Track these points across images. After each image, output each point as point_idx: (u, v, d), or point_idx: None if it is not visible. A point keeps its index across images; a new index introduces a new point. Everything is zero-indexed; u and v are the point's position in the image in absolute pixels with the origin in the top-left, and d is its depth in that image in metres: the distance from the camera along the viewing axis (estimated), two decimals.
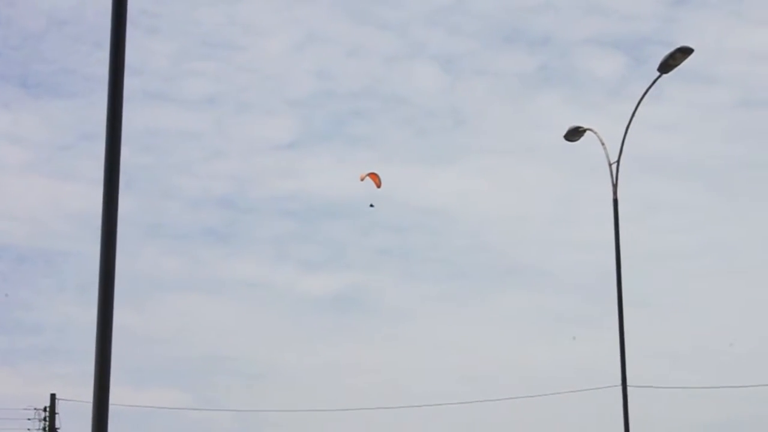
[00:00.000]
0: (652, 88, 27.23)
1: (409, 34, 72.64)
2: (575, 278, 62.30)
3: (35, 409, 48.64)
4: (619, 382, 26.38)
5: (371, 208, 38.55)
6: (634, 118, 27.61)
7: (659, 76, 26.85)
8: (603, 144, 28.03)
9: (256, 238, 70.42)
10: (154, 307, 65.81)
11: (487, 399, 45.31)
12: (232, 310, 65.61)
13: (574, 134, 28.83)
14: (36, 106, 71.91)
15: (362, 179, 38.20)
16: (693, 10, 70.01)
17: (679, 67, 26.52)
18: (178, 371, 62.75)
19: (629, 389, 26.37)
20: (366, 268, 67.80)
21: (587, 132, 28.59)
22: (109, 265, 10.20)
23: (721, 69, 67.78)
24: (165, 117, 70.95)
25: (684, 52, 26.30)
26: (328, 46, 73.25)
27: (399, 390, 56.97)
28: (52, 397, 48.78)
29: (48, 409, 48.59)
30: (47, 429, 48.32)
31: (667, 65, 26.48)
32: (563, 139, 29.08)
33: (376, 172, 38.21)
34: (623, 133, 27.68)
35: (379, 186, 38.01)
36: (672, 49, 26.40)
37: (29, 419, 48.52)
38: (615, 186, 27.54)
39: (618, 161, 27.67)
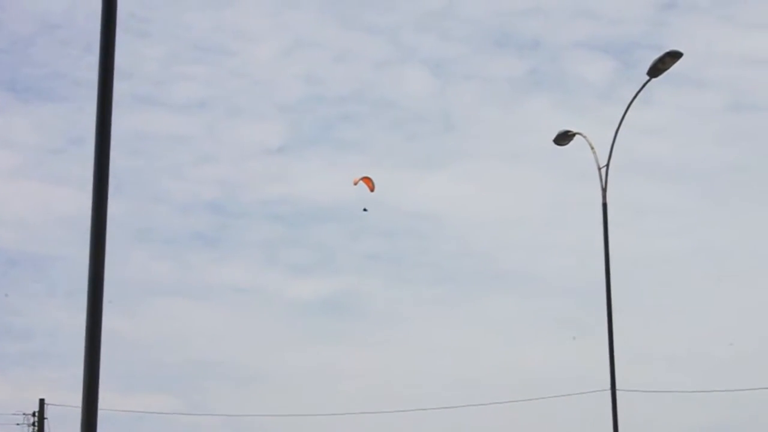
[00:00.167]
0: (642, 92, 27.29)
1: (399, 39, 72.74)
2: (565, 282, 62.35)
3: (24, 414, 48.53)
4: (608, 386, 26.42)
5: (365, 212, 38.51)
6: (623, 122, 27.66)
7: (648, 80, 26.90)
8: (592, 148, 28.07)
9: (245, 243, 70.42)
10: (144, 312, 65.72)
11: (476, 403, 45.30)
12: (221, 315, 65.56)
13: (563, 138, 28.85)
14: (25, 110, 71.79)
15: (355, 183, 38.13)
16: (682, 14, 70.19)
17: (668, 71, 26.58)
18: (168, 376, 62.63)
19: (618, 393, 26.40)
20: (355, 272, 67.81)
21: (576, 136, 28.62)
22: (97, 269, 10.18)
23: (711, 73, 67.97)
24: (154, 121, 70.86)
25: (673, 56, 26.35)
26: (317, 51, 73.30)
27: (388, 394, 56.92)
28: (41, 402, 48.66)
29: (37, 414, 48.47)
30: None
31: (656, 69, 26.53)
32: (552, 144, 29.12)
33: (369, 176, 38.15)
34: (612, 137, 27.73)
35: (372, 190, 37.94)
36: (661, 53, 26.46)
37: (18, 424, 48.41)
38: (604, 190, 27.57)
39: (607, 165, 27.70)
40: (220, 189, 71.79)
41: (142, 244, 69.33)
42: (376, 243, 68.58)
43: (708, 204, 66.70)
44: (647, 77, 26.80)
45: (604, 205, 27.43)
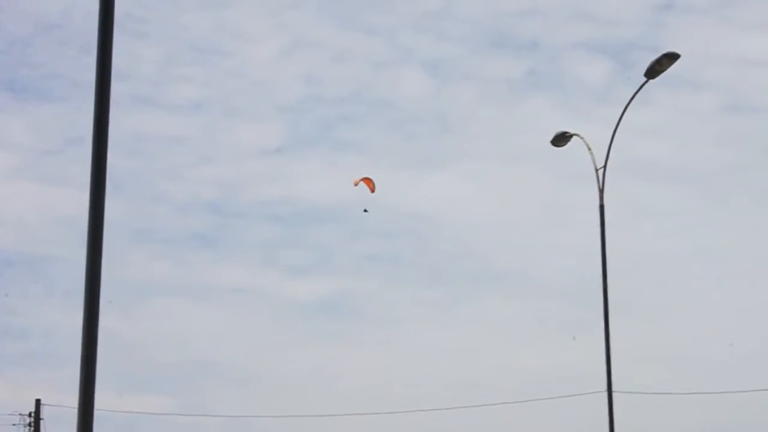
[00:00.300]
0: (639, 93, 27.29)
1: (397, 40, 72.76)
2: (562, 283, 62.35)
3: (20, 414, 48.52)
4: (605, 387, 26.41)
5: (365, 213, 38.43)
6: (620, 123, 27.67)
7: (646, 82, 26.91)
8: (590, 149, 28.08)
9: (243, 243, 70.39)
10: (141, 312, 65.69)
11: (474, 404, 45.31)
12: (219, 315, 65.54)
13: (560, 139, 28.86)
14: (23, 111, 71.80)
15: (356, 184, 38.02)
16: (679, 16, 70.25)
17: (665, 72, 26.58)
18: (165, 376, 62.63)
19: (615, 395, 26.40)
20: (353, 273, 67.84)
21: (574, 137, 28.62)
22: (95, 269, 10.18)
23: (708, 74, 68.05)
24: (152, 122, 70.86)
25: (670, 58, 26.36)
26: (315, 52, 73.31)
27: (387, 395, 56.92)
28: (38, 402, 48.65)
29: (33, 414, 48.45)
30: None
31: (653, 71, 26.53)
32: (550, 145, 29.12)
33: (369, 177, 38.04)
34: (610, 138, 27.74)
35: (373, 191, 37.83)
36: (659, 54, 26.47)
37: (14, 425, 48.41)
38: (601, 191, 27.57)
39: (605, 166, 27.71)
40: (219, 189, 71.84)
41: (140, 244, 69.40)
42: (375, 244, 68.65)
43: (706, 205, 66.77)
44: (645, 78, 26.81)
45: (602, 206, 27.43)
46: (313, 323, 64.75)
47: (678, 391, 42.82)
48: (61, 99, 73.00)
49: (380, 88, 72.69)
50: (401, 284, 67.06)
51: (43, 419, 48.42)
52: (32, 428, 48.26)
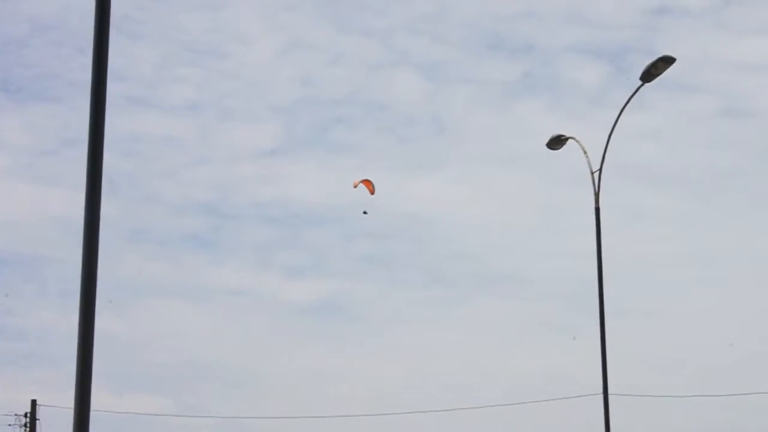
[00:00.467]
0: (635, 96, 27.32)
1: (392, 42, 72.78)
2: (557, 286, 62.41)
3: (16, 415, 48.52)
4: (601, 390, 26.44)
5: (365, 215, 38.33)
6: (616, 127, 27.70)
7: (641, 85, 26.93)
8: (585, 152, 28.12)
9: (238, 245, 70.42)
10: (137, 313, 65.71)
11: (469, 406, 45.35)
12: (214, 317, 65.55)
13: (556, 142, 28.88)
14: (18, 111, 71.78)
15: (356, 186, 37.91)
16: (675, 19, 70.27)
17: (661, 75, 26.61)
18: (160, 377, 62.61)
19: (611, 397, 26.43)
20: (348, 275, 67.82)
21: (569, 140, 28.65)
22: (91, 270, 10.18)
23: (704, 78, 68.09)
24: (148, 123, 70.87)
25: (666, 62, 26.39)
26: (311, 53, 73.33)
27: (383, 397, 57.02)
28: (33, 402, 48.65)
29: (29, 414, 48.43)
30: None
31: (649, 74, 26.56)
32: (545, 148, 29.14)
33: (369, 179, 37.94)
34: (605, 142, 27.76)
35: (372, 193, 37.73)
36: (654, 58, 26.50)
37: (10, 425, 48.39)
38: (597, 194, 27.61)
39: (600, 169, 27.74)
40: (214, 191, 71.88)
41: (135, 245, 69.37)
42: (369, 246, 68.66)
43: (702, 208, 66.83)
44: (640, 82, 26.84)
45: (597, 209, 27.46)
46: (309, 325, 64.81)
47: (674, 394, 42.90)
48: (57, 99, 73.04)
49: (375, 90, 72.79)
50: (397, 286, 67.15)
51: (38, 420, 48.43)
52: (28, 429, 48.24)
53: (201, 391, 62.35)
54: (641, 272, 60.68)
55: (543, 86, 71.94)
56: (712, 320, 57.89)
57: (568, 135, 28.70)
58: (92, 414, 10.07)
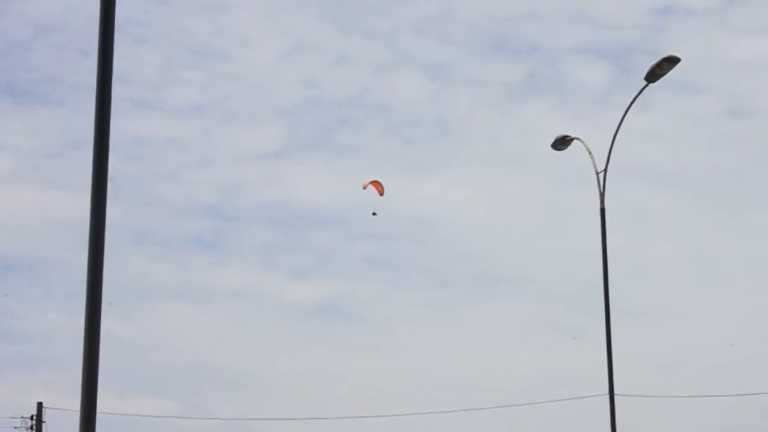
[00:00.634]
0: (639, 97, 27.29)
1: (396, 43, 72.78)
2: (562, 287, 62.40)
3: (22, 417, 48.57)
4: (607, 390, 26.41)
5: (374, 216, 38.21)
6: (621, 127, 27.67)
7: (646, 86, 26.90)
8: (590, 153, 28.08)
9: (242, 247, 70.46)
10: (141, 315, 65.73)
11: (471, 407, 45.33)
12: (218, 318, 65.59)
13: (561, 143, 28.85)
14: (22, 114, 71.85)
15: (365, 187, 37.80)
16: (680, 20, 70.23)
17: (666, 76, 26.58)
18: (165, 379, 62.68)
19: (617, 398, 26.39)
20: (352, 276, 67.85)
21: (574, 141, 28.62)
22: (96, 272, 10.19)
23: (708, 78, 68.04)
24: (152, 125, 70.93)
25: (671, 62, 26.35)
26: (315, 55, 73.38)
27: (386, 398, 56.98)
28: (39, 405, 48.68)
29: (35, 417, 48.47)
30: None
31: (653, 74, 26.52)
32: (550, 148, 29.11)
33: (378, 180, 37.83)
34: (610, 142, 27.74)
35: (381, 194, 37.63)
36: (659, 58, 26.46)
37: (16, 428, 48.45)
38: (602, 195, 27.58)
39: (605, 170, 27.71)
40: (218, 193, 71.90)
41: (139, 247, 69.43)
42: (373, 247, 68.68)
43: (706, 208, 66.80)
44: (645, 82, 26.81)
45: (602, 210, 27.43)
46: (312, 326, 64.83)
47: (674, 394, 42.85)
48: (61, 102, 73.12)
49: (379, 91, 72.79)
50: (401, 287, 67.16)
51: (44, 422, 48.47)
52: (34, 431, 48.28)
53: (205, 392, 62.41)
54: (641, 272, 60.71)
55: (547, 87, 71.96)
56: (712, 320, 57.87)
57: (573, 136, 28.66)
58: (98, 416, 10.07)
